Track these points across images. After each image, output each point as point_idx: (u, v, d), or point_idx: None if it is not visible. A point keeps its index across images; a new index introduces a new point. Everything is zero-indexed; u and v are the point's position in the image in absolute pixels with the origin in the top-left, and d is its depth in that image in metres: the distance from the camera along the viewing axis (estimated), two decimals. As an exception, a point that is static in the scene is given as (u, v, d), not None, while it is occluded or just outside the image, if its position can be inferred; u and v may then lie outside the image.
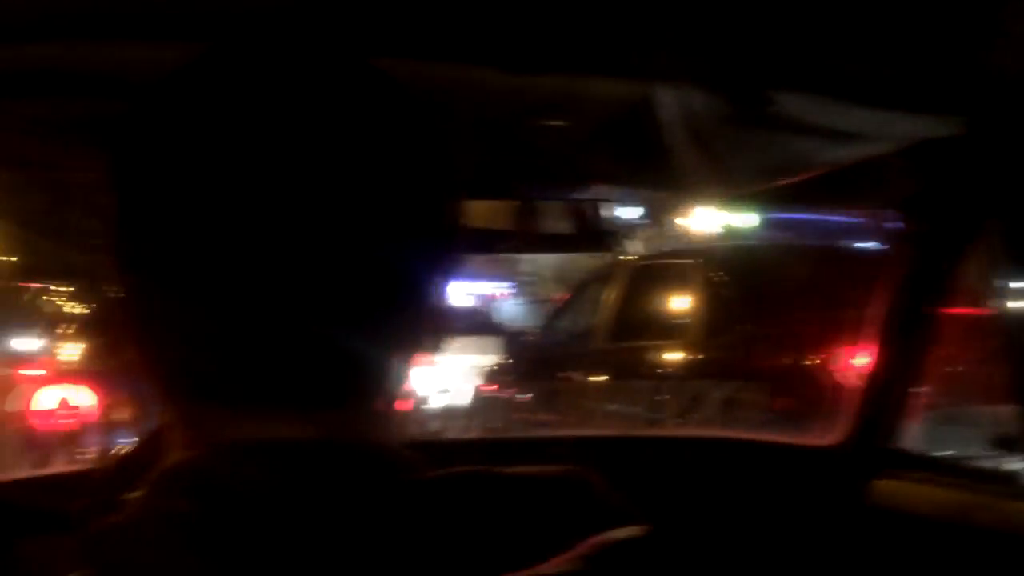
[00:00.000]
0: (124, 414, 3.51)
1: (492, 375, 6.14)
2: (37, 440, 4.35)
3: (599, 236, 1.51)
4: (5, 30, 0.92)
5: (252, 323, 0.51)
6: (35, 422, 4.43)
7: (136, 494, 0.52)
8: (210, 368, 0.52)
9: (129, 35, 0.93)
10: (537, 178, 1.44)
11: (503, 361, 6.31)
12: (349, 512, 0.50)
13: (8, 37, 0.94)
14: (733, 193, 1.29)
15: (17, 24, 0.92)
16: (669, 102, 1.10)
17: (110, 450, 3.15)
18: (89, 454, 4.30)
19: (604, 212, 1.48)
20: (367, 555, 0.49)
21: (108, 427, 2.83)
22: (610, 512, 0.54)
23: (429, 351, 0.59)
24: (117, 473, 0.68)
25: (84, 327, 6.10)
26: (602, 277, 6.45)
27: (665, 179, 1.38)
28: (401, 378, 0.58)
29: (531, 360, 5.86)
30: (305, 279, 0.51)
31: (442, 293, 0.59)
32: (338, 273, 0.52)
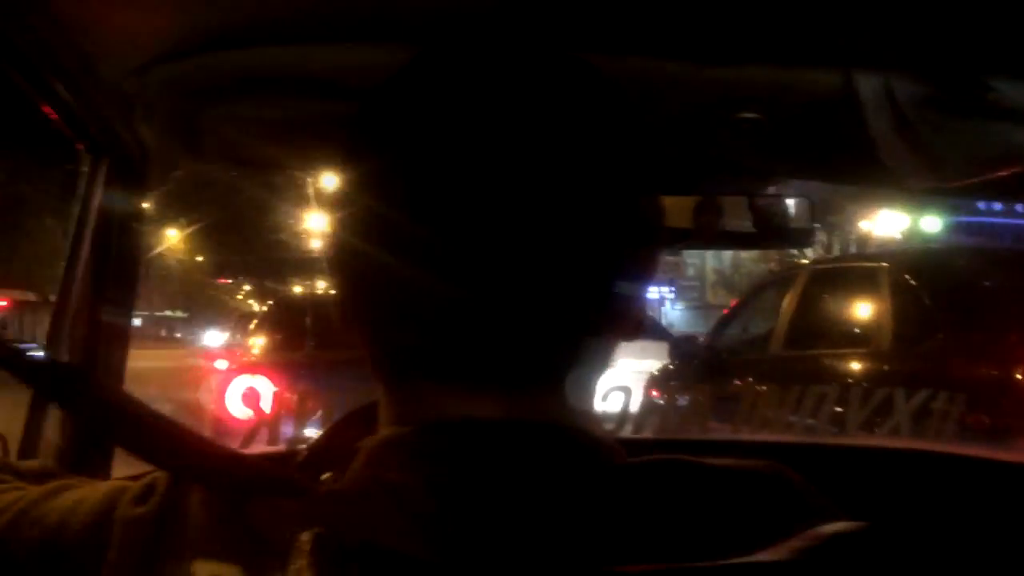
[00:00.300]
0: (306, 405, 3.68)
1: (658, 381, 6.07)
2: (228, 429, 4.63)
3: (790, 234, 1.45)
4: (237, 36, 0.98)
5: (469, 304, 0.52)
6: (226, 412, 4.72)
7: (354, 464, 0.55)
8: (423, 347, 0.54)
9: (351, 38, 0.97)
10: (724, 173, 1.40)
11: (669, 367, 6.22)
12: (554, 492, 0.51)
13: (241, 42, 0.99)
14: (943, 186, 1.20)
15: (249, 29, 0.97)
16: (874, 90, 1.04)
17: (295, 439, 3.31)
18: (275, 442, 4.54)
19: (797, 209, 1.43)
20: (571, 536, 0.50)
21: (292, 417, 2.96)
22: (812, 507, 0.54)
23: (630, 340, 0.59)
24: (311, 455, 0.71)
25: (266, 322, 6.44)
26: (779, 282, 6.25)
27: (867, 172, 1.30)
28: (603, 366, 0.59)
29: (700, 366, 5.74)
30: (521, 265, 0.52)
31: (645, 285, 0.59)
32: (552, 259, 0.53)
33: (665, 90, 1.09)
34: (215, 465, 0.57)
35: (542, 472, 0.52)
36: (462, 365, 0.54)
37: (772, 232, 1.43)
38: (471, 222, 0.52)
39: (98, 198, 1.27)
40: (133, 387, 1.32)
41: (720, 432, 3.38)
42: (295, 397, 4.12)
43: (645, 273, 0.58)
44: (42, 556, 0.56)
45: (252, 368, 5.41)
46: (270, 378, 4.79)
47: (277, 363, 5.25)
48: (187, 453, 0.58)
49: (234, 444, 4.67)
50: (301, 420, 2.96)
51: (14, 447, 1.14)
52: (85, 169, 1.29)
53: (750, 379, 4.98)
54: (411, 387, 0.56)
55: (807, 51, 1.03)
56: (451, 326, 0.53)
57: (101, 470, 1.31)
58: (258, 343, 6.19)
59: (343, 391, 4.40)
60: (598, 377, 0.59)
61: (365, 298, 0.57)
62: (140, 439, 0.59)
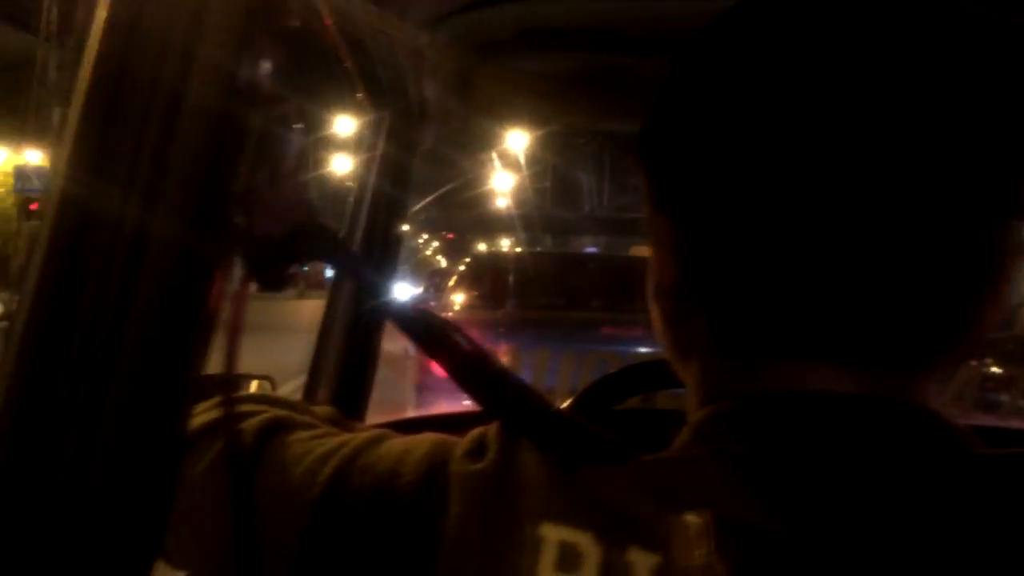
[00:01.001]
0: (510, 364, 3.75)
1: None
2: (429, 383, 4.75)
3: None
4: None
5: (837, 277, 0.48)
6: (427, 366, 4.81)
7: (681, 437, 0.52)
8: (774, 321, 0.50)
9: None
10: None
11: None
12: (909, 473, 0.46)
13: None
14: None
15: None
16: None
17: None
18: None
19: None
20: (926, 520, 0.45)
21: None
22: None
23: (995, 328, 0.53)
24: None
25: (465, 279, 6.57)
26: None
27: None
28: (972, 352, 0.52)
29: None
30: (904, 233, 0.47)
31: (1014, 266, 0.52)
32: (935, 230, 0.47)
33: None
34: (550, 423, 0.55)
35: (896, 450, 0.47)
36: (823, 341, 0.49)
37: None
38: (846, 185, 0.47)
39: (379, 151, 1.31)
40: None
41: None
42: (503, 355, 4.19)
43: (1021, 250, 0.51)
44: (375, 503, 0.56)
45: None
46: (474, 335, 4.83)
47: (479, 320, 5.30)
48: (524, 408, 0.57)
49: (435, 400, 4.83)
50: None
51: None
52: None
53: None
54: (744, 362, 0.52)
55: None
56: (817, 300, 0.48)
57: (358, 418, 1.38)
58: (458, 300, 6.29)
59: (544, 350, 4.46)
60: (963, 362, 0.53)
61: (703, 268, 0.52)
62: (483, 386, 0.59)
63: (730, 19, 0.52)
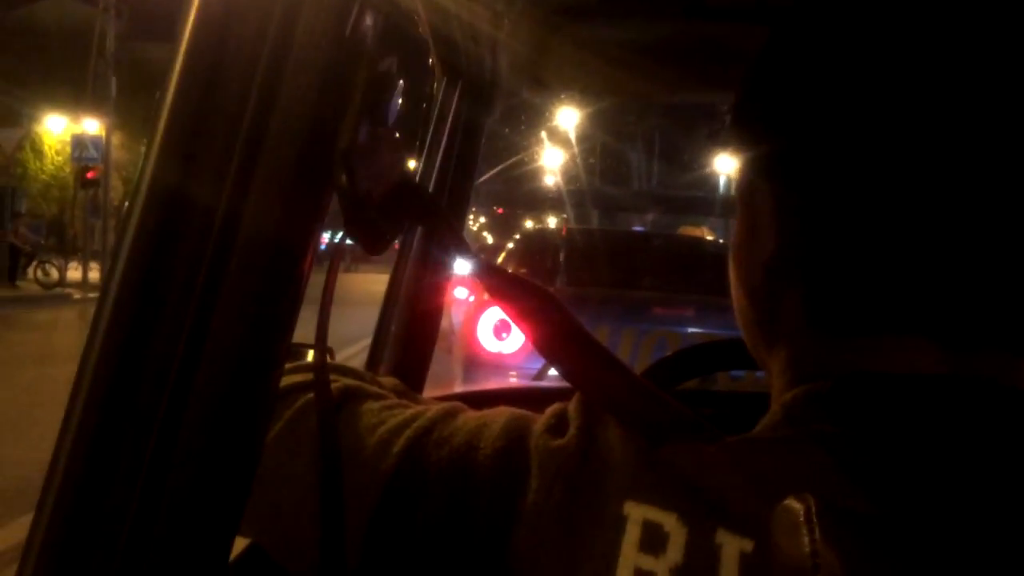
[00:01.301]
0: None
1: None
2: (479, 359, 4.74)
3: None
4: None
5: (939, 258, 0.47)
6: (477, 342, 4.80)
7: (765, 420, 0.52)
8: (872, 299, 0.49)
9: None
10: None
11: None
12: (998, 454, 0.46)
13: None
14: None
15: None
16: None
17: (542, 373, 3.36)
18: (521, 376, 4.58)
19: None
20: (1017, 505, 0.43)
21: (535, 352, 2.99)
22: None
23: None
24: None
25: (515, 255, 6.55)
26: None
27: None
28: None
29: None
30: (996, 220, 0.46)
31: None
32: None
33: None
34: (634, 399, 0.54)
35: (989, 433, 0.46)
36: (923, 318, 0.48)
37: None
38: (959, 162, 0.46)
39: (449, 119, 1.29)
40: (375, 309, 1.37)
41: None
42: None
43: None
44: (452, 476, 0.54)
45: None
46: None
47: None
48: (609, 382, 0.55)
49: (485, 375, 4.82)
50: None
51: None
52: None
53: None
54: (839, 339, 0.51)
55: None
56: (920, 276, 0.48)
57: (417, 390, 1.37)
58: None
59: (595, 328, 4.43)
60: None
61: (807, 238, 0.51)
62: (572, 357, 0.57)
63: None
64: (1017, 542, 0.42)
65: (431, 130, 1.30)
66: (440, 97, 1.30)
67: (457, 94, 1.29)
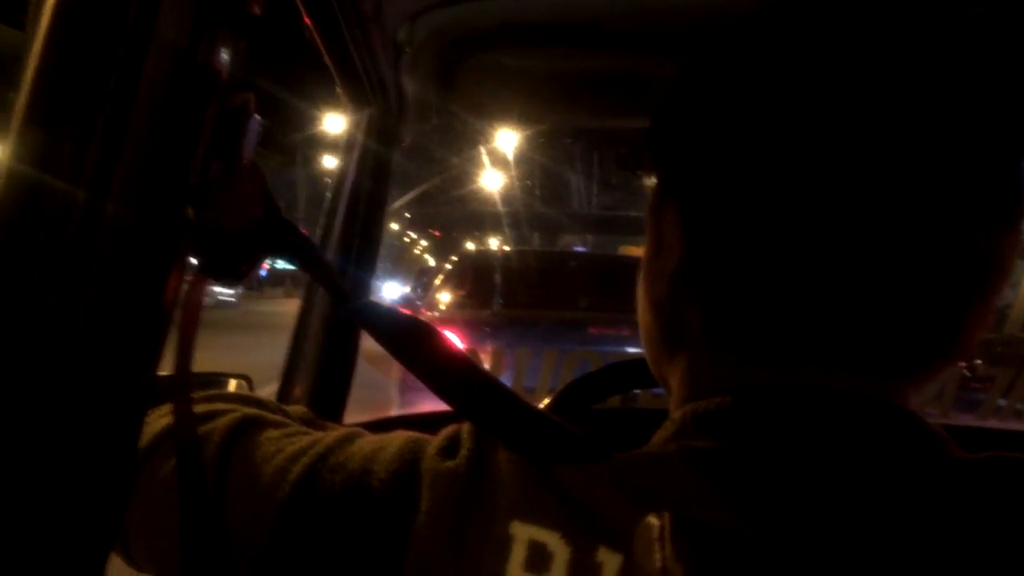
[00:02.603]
0: (498, 363, 3.73)
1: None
2: (408, 385, 4.70)
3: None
4: None
5: (845, 279, 0.48)
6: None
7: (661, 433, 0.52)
8: (751, 312, 0.50)
9: None
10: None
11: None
12: (883, 474, 0.46)
13: None
14: None
15: None
16: None
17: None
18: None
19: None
20: (891, 526, 0.44)
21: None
22: None
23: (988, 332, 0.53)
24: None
25: (452, 277, 6.53)
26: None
27: None
28: (963, 356, 0.52)
29: None
30: (913, 239, 0.47)
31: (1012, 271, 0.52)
32: (931, 238, 0.47)
33: None
34: (522, 422, 0.55)
35: (870, 452, 0.47)
36: (813, 339, 0.50)
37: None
38: (850, 186, 0.47)
39: (358, 149, 1.29)
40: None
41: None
42: (486, 355, 4.16)
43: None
44: (346, 500, 0.55)
45: (441, 324, 5.46)
46: (459, 335, 4.80)
47: (466, 319, 5.27)
48: (496, 406, 0.56)
49: (420, 400, 4.80)
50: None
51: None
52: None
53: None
54: (723, 357, 0.52)
55: None
56: (810, 298, 0.49)
57: (335, 417, 1.35)
58: (444, 299, 6.26)
59: (531, 350, 4.44)
60: (954, 364, 0.53)
61: (705, 255, 0.52)
62: (454, 387, 0.58)
63: (746, 23, 0.53)
64: (872, 559, 0.43)
65: (340, 159, 1.30)
66: (348, 126, 1.30)
67: (365, 123, 1.29)
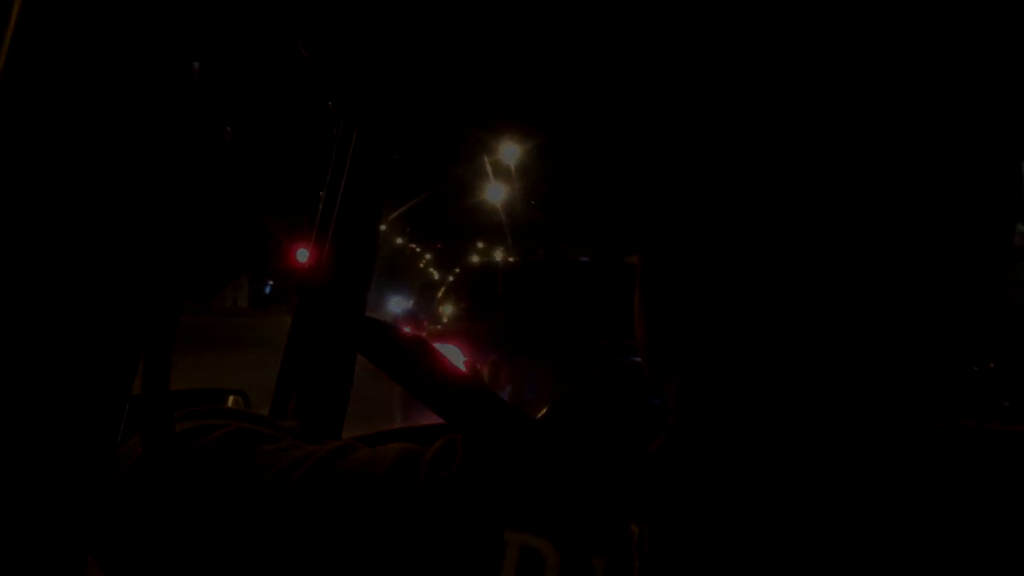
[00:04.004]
0: (499, 375, 3.73)
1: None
2: (410, 398, 4.69)
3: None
4: None
5: (786, 308, 0.46)
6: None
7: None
8: (723, 342, 0.49)
9: None
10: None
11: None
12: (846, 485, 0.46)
13: None
14: None
15: None
16: None
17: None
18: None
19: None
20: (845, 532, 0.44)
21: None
22: None
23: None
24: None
25: (454, 290, 6.53)
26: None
27: None
28: (940, 379, 0.50)
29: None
30: (867, 266, 0.45)
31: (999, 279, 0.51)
32: (909, 260, 0.45)
33: None
34: (510, 430, 0.55)
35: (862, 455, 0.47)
36: (785, 370, 0.48)
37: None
38: (809, 209, 0.45)
39: (349, 161, 1.29)
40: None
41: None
42: (487, 367, 4.14)
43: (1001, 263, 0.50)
44: (343, 509, 0.55)
45: (443, 336, 5.44)
46: (461, 347, 4.78)
47: (467, 332, 5.25)
48: (483, 415, 0.57)
49: (422, 412, 4.79)
50: (494, 390, 2.96)
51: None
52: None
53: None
54: (711, 380, 0.51)
55: None
56: (767, 326, 0.47)
57: (332, 433, 1.35)
58: (446, 311, 6.25)
59: (533, 363, 4.43)
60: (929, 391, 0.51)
61: (692, 282, 0.51)
62: (438, 395, 0.59)
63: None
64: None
65: (331, 172, 1.30)
66: (340, 139, 1.30)
67: (356, 135, 1.29)
